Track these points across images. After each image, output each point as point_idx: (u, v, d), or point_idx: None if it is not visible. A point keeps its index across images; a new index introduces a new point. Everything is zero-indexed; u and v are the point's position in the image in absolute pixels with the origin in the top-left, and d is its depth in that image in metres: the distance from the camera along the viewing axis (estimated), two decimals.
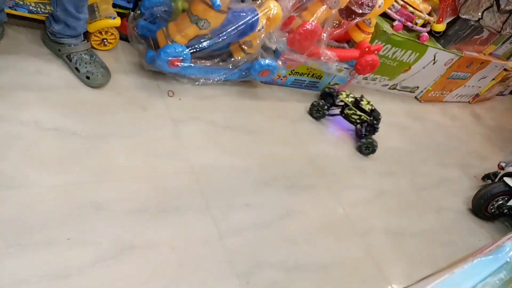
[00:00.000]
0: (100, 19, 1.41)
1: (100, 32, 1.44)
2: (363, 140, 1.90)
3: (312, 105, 1.91)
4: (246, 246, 1.23)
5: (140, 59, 1.56)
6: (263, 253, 1.24)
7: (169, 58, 1.41)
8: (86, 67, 1.34)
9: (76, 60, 1.34)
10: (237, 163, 1.47)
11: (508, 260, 0.77)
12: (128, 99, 1.41)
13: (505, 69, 3.04)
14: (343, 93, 1.94)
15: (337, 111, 1.97)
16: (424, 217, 1.84)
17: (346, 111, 1.93)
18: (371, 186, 1.79)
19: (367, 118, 1.92)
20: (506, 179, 1.93)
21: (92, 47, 1.45)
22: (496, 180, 2.04)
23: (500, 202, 1.94)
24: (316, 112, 1.91)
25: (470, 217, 2.00)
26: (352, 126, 2.01)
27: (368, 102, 1.93)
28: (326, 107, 1.89)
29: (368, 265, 1.44)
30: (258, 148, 1.58)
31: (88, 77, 1.34)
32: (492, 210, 1.97)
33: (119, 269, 1.00)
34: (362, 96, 1.94)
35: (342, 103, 1.95)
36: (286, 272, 1.24)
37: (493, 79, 3.11)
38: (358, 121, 1.94)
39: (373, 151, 1.92)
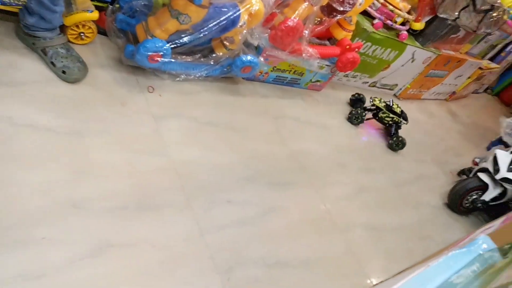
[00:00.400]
0: (77, 12, 1.37)
1: (77, 26, 1.40)
2: (394, 139, 2.15)
3: (351, 113, 2.12)
4: (227, 243, 1.23)
5: (119, 54, 1.53)
6: (244, 250, 1.24)
7: (149, 53, 1.39)
8: (62, 62, 1.30)
9: (52, 54, 1.30)
10: (218, 159, 1.46)
11: (481, 252, 0.80)
12: (106, 94, 1.38)
13: (480, 68, 3.12)
14: (376, 99, 2.18)
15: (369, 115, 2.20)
16: (403, 212, 1.88)
17: (380, 114, 2.17)
18: (352, 183, 1.82)
19: (398, 119, 2.17)
20: (480, 175, 1.99)
21: (69, 41, 1.41)
22: (471, 175, 2.10)
23: (474, 197, 2.00)
24: (356, 119, 2.13)
25: (446, 212, 2.06)
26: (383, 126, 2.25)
27: (397, 105, 2.19)
28: (363, 113, 2.12)
29: (349, 260, 1.46)
30: (240, 144, 1.58)
31: (64, 72, 1.30)
32: (467, 205, 2.03)
33: (97, 268, 0.98)
34: (391, 101, 2.19)
35: (373, 107, 2.19)
36: (268, 268, 1.24)
37: (469, 77, 3.19)
38: (390, 122, 2.18)
39: (402, 147, 2.18)
